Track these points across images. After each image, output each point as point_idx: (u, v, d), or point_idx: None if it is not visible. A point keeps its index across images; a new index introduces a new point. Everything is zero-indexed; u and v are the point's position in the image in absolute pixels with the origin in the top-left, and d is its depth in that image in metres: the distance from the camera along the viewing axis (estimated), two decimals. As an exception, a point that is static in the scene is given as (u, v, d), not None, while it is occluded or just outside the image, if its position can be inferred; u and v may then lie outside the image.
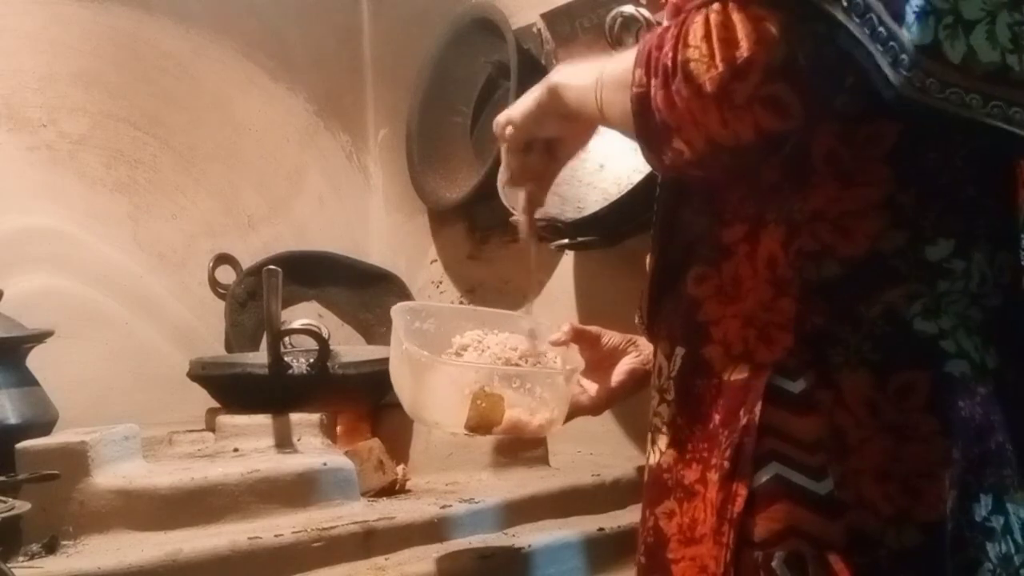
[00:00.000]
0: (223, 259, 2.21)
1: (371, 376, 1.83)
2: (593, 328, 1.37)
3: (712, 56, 0.92)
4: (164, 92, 2.16)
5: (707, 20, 0.92)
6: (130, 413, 1.70)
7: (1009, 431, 0.96)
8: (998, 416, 0.95)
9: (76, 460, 1.40)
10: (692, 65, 0.93)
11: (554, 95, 1.11)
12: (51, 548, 1.35)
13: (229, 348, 2.11)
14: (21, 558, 1.32)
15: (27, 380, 1.69)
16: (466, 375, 1.30)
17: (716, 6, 0.92)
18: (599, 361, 1.36)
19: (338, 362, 1.77)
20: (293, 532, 1.43)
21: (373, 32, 2.40)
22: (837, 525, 0.95)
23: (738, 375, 1.01)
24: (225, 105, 2.24)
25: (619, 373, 1.35)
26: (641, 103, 0.98)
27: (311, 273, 2.19)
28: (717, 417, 1.02)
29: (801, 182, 0.98)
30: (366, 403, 1.83)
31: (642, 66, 0.98)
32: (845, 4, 0.88)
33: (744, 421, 0.99)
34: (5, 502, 1.26)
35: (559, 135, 1.17)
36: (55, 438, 1.50)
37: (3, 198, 1.97)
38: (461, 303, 2.24)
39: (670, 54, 0.95)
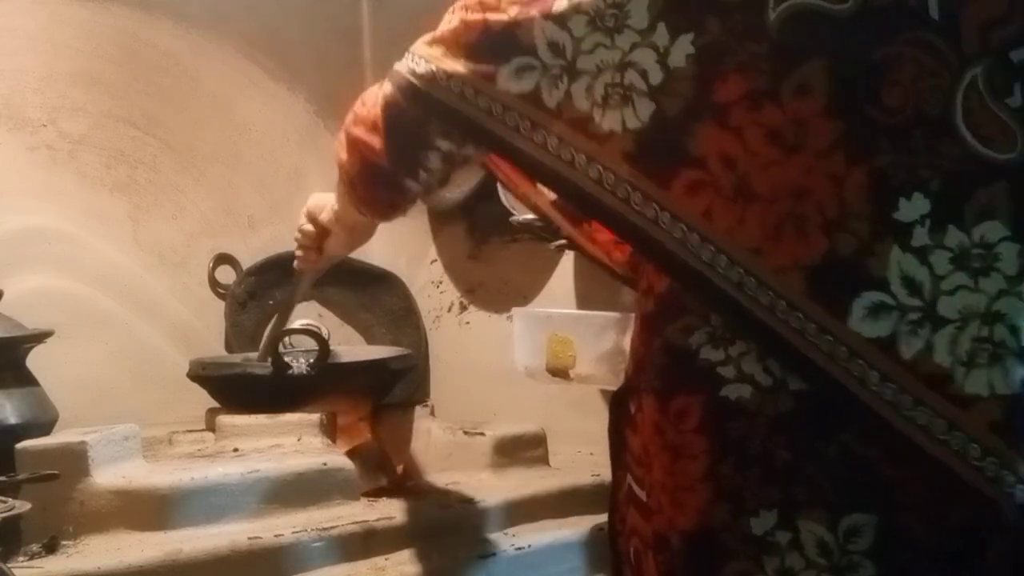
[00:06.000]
0: (223, 259, 2.20)
1: (371, 376, 1.83)
2: None
3: (355, 108, 1.23)
4: (164, 92, 2.15)
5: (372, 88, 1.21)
6: (130, 413, 1.70)
7: (806, 449, 0.99)
8: (789, 435, 0.99)
9: (76, 460, 1.40)
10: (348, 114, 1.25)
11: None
12: (51, 548, 1.35)
13: (229, 348, 2.12)
14: (21, 558, 1.33)
15: (27, 380, 1.69)
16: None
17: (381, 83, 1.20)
18: None
19: (338, 362, 1.77)
20: (293, 532, 1.43)
21: (373, 32, 2.40)
22: (649, 527, 1.09)
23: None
24: (225, 105, 2.24)
25: None
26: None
27: (311, 273, 2.19)
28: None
29: None
30: (366, 403, 1.83)
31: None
32: None
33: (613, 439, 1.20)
34: (5, 502, 1.26)
35: (330, 231, 1.50)
36: (55, 438, 1.50)
37: (3, 198, 1.97)
38: (461, 303, 2.24)
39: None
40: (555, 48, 1.04)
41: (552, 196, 1.37)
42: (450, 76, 1.09)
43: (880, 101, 0.97)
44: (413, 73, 1.12)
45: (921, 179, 0.97)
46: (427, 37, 1.15)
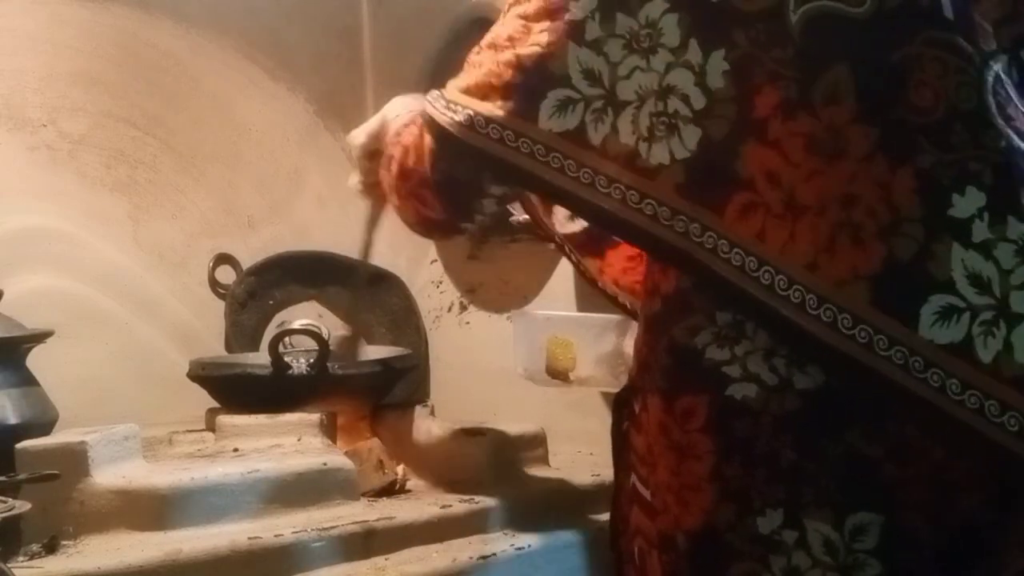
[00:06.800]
0: (223, 259, 2.20)
1: (371, 376, 1.83)
2: None
3: (400, 159, 1.21)
4: (164, 92, 2.15)
5: (411, 132, 1.20)
6: (130, 413, 1.70)
7: (811, 448, 0.99)
8: (793, 435, 0.99)
9: (76, 460, 1.40)
10: (392, 163, 1.24)
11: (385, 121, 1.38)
12: (51, 548, 1.35)
13: (229, 348, 2.12)
14: (21, 558, 1.32)
15: (27, 380, 1.69)
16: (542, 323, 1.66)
17: (417, 124, 1.19)
18: None
19: (338, 362, 1.77)
20: (293, 532, 1.43)
21: (373, 32, 2.40)
22: (654, 526, 1.09)
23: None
24: (225, 105, 2.24)
25: None
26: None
27: (311, 273, 2.19)
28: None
29: None
30: (366, 403, 1.83)
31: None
32: None
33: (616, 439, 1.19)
34: (5, 502, 1.26)
35: None
36: (55, 438, 1.50)
37: (3, 198, 1.97)
38: (461, 303, 2.24)
39: (392, 152, 1.25)
40: (590, 76, 1.04)
41: (566, 229, 1.37)
42: (489, 121, 1.08)
43: (909, 102, 0.97)
44: (453, 123, 1.11)
45: (972, 172, 0.95)
46: (460, 83, 1.13)
